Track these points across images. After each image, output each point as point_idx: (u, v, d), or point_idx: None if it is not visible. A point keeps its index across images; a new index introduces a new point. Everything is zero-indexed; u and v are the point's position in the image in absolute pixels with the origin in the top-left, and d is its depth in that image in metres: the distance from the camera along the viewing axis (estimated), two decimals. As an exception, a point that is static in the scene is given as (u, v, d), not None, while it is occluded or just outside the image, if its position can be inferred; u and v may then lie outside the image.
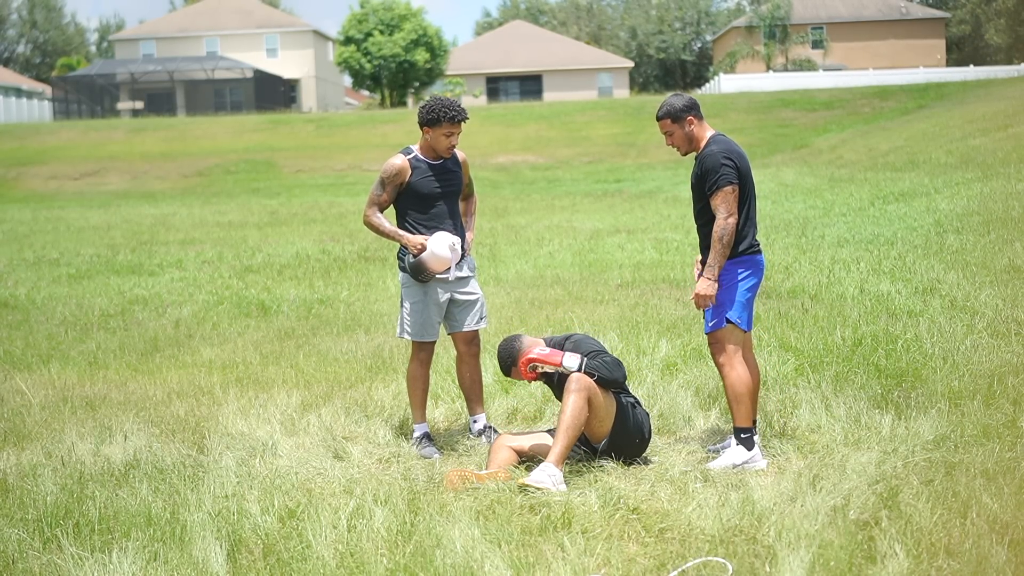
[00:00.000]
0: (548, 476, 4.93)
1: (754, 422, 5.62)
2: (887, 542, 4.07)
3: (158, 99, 59.58)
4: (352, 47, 55.45)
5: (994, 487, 4.55)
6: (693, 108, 5.44)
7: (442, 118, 5.73)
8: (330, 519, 4.54)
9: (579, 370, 5.23)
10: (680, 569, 3.99)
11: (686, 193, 24.56)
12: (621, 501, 4.68)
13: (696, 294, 5.29)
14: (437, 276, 5.85)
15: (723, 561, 4.01)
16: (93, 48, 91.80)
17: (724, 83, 51.57)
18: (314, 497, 4.92)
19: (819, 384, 6.42)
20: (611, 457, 5.35)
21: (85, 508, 4.77)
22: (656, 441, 5.75)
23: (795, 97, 42.74)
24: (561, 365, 5.27)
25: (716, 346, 5.40)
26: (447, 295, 5.92)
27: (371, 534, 4.39)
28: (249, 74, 57.92)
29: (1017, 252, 10.83)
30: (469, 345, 6.05)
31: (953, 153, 22.24)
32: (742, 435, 5.32)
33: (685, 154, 5.56)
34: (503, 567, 4.03)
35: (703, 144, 5.45)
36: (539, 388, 6.56)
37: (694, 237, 15.33)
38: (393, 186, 5.85)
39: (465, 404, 6.24)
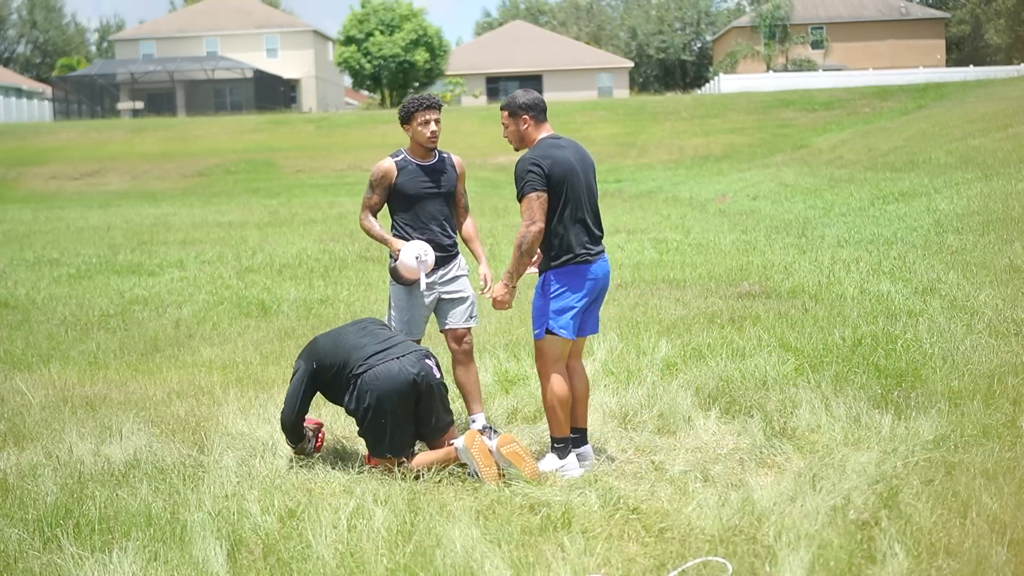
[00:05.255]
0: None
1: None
2: (887, 542, 4.07)
3: (158, 99, 59.62)
4: (352, 47, 55.43)
5: (994, 487, 4.55)
6: (533, 108, 5.34)
7: (413, 109, 5.89)
8: (330, 519, 4.54)
9: (315, 446, 5.64)
10: (680, 569, 3.99)
11: (685, 193, 24.56)
12: (621, 501, 4.68)
13: (493, 299, 5.29)
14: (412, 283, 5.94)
15: (723, 561, 4.02)
16: (93, 48, 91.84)
17: (724, 83, 51.59)
18: (314, 497, 4.92)
19: (819, 384, 6.42)
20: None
21: (85, 508, 4.77)
22: (656, 441, 5.75)
23: (795, 97, 42.76)
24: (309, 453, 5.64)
25: (537, 355, 5.35)
26: (433, 295, 6.02)
27: (371, 534, 4.39)
28: (249, 74, 57.94)
29: (1017, 252, 10.83)
30: (460, 343, 6.08)
31: (953, 153, 22.23)
32: (556, 444, 5.34)
33: (517, 150, 5.48)
34: (503, 567, 4.03)
35: (532, 146, 5.35)
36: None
37: (695, 237, 15.33)
38: (382, 188, 5.99)
39: (464, 404, 6.24)
